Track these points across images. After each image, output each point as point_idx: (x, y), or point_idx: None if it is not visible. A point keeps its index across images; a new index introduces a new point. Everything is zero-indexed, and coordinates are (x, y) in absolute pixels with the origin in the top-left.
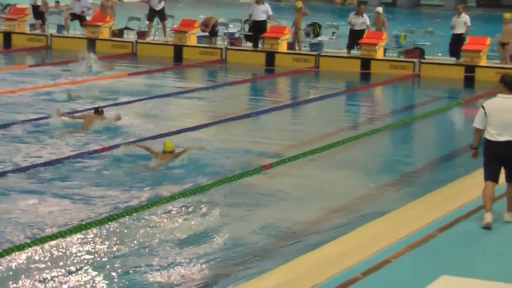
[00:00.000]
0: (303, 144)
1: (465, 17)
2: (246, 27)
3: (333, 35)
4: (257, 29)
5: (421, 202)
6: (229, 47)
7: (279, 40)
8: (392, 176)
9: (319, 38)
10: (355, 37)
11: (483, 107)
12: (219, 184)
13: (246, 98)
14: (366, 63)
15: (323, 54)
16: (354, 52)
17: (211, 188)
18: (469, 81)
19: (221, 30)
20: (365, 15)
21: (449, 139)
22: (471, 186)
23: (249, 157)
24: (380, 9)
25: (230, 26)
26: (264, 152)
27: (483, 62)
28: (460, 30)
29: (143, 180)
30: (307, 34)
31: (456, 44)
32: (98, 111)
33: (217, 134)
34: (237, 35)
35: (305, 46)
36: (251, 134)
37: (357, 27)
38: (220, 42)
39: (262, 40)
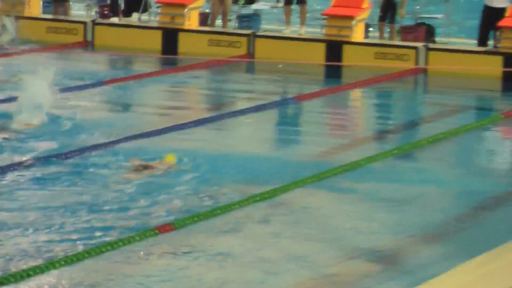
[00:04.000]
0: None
1: None
2: None
3: (278, 0)
4: None
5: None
6: (98, 20)
7: (185, 10)
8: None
9: (254, 6)
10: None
11: None
12: None
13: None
14: (334, 49)
15: (260, 33)
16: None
17: None
18: (511, 81)
19: None
20: None
21: (472, 181)
22: None
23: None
24: None
25: None
26: None
27: None
28: (501, 1)
29: None
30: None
31: (491, 24)
32: None
33: None
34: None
35: (230, 20)
36: None
37: None
38: (84, 12)
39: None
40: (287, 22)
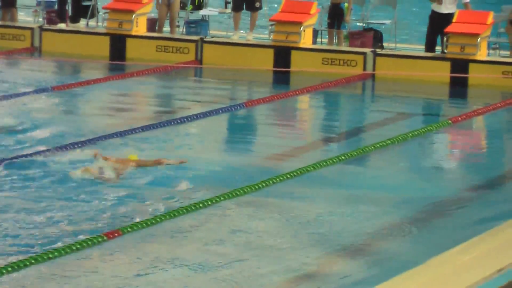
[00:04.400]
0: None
1: None
2: None
3: (226, 6)
4: None
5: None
6: (45, 26)
7: (133, 16)
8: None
9: (202, 12)
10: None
11: None
12: None
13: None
14: (282, 55)
15: (208, 39)
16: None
17: None
18: (458, 86)
19: None
20: None
21: (422, 186)
22: None
23: None
24: None
25: None
26: None
27: (482, 54)
28: (448, 7)
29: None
30: (183, 5)
31: (438, 29)
32: None
33: None
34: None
35: (178, 26)
36: None
37: None
38: (31, 18)
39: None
40: (236, 28)
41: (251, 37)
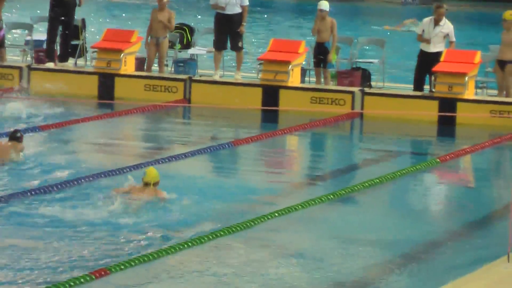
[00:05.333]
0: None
1: (447, 25)
2: None
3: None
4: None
5: None
6: (33, 65)
7: (121, 55)
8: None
9: (191, 51)
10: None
11: None
12: None
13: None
14: (271, 93)
15: (196, 78)
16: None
17: None
18: (446, 125)
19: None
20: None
21: (410, 226)
22: None
23: None
24: (325, 4)
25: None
26: None
27: (470, 93)
28: (436, 46)
29: None
30: (171, 44)
31: (426, 68)
32: (15, 137)
33: None
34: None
35: (167, 65)
36: None
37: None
38: (19, 58)
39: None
40: (216, 67)
41: (239, 77)
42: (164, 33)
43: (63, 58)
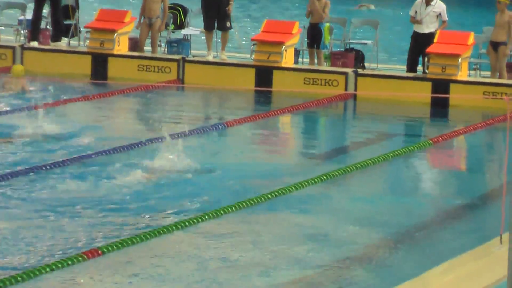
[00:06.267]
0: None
1: (439, 5)
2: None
3: None
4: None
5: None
6: (26, 45)
7: (115, 35)
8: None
9: (184, 32)
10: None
11: None
12: None
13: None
14: (264, 74)
15: (190, 59)
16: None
17: None
18: (439, 106)
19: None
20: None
21: (403, 207)
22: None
23: None
24: None
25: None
26: None
27: (463, 74)
28: (429, 27)
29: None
30: (166, 25)
31: (420, 49)
32: None
33: None
34: (43, 26)
35: (160, 45)
36: None
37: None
38: (12, 37)
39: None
40: (209, 48)
41: (224, 57)
42: (157, 13)
43: (56, 38)
